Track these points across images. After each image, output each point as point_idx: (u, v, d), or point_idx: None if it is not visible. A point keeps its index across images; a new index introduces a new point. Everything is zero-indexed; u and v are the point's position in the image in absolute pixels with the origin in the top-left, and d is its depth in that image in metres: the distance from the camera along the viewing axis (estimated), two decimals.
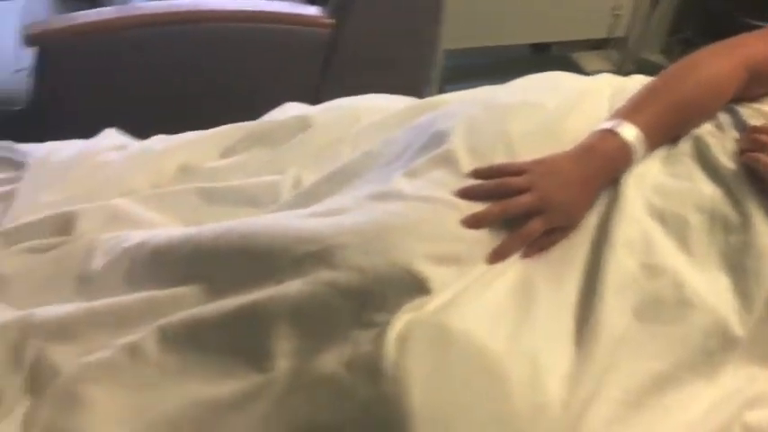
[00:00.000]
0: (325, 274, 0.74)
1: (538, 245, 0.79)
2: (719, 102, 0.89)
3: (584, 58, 2.45)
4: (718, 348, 0.77)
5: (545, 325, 0.73)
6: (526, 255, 0.79)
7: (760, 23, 1.02)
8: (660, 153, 0.88)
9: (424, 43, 1.68)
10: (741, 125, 0.88)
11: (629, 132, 0.84)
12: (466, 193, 0.80)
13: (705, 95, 0.88)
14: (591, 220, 0.82)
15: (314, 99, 1.23)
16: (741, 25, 2.04)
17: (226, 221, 0.86)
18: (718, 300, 0.78)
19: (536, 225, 0.78)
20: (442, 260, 0.74)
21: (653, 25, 2.40)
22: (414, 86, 1.58)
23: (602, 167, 0.83)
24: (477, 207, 0.79)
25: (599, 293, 0.75)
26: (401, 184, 0.82)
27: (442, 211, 0.78)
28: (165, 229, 0.95)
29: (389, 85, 1.25)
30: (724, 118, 0.90)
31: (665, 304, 0.77)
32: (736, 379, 0.79)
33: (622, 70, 2.31)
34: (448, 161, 0.83)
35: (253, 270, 0.78)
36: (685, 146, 0.87)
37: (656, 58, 2.57)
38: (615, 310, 0.75)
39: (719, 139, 0.87)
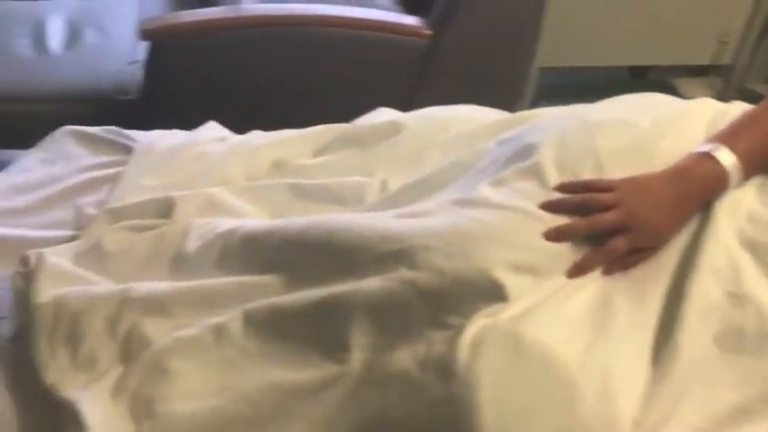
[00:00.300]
0: (405, 273, 0.76)
1: (620, 263, 0.79)
2: None
3: (684, 84, 2.39)
4: None
5: (622, 342, 0.73)
6: (607, 272, 0.79)
7: None
8: (756, 181, 0.86)
9: (521, 59, 1.68)
10: None
11: (727, 158, 0.82)
12: (551, 206, 0.80)
13: None
14: (679, 243, 0.81)
15: (408, 107, 1.26)
16: None
17: (313, 216, 0.90)
18: None
19: (619, 243, 0.78)
20: (521, 269, 0.75)
21: (760, 54, 2.32)
22: (507, 101, 1.58)
23: (695, 191, 0.82)
24: (560, 220, 0.79)
25: (681, 316, 0.75)
26: (487, 192, 0.84)
27: (525, 222, 0.79)
28: (256, 219, 1.00)
29: (483, 98, 1.27)
30: None
31: (747, 335, 0.75)
32: None
33: (724, 99, 2.23)
34: (535, 173, 0.84)
35: (335, 264, 0.81)
36: None
37: (760, 88, 2.47)
38: (696, 334, 0.74)
39: None
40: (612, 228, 0.79)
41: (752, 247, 0.80)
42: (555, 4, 1.88)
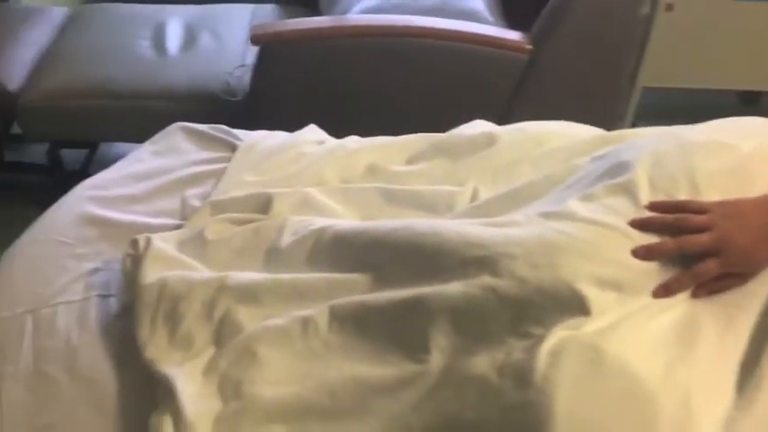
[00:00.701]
0: (487, 280, 0.77)
1: (708, 287, 0.78)
2: None
3: None
4: None
5: (706, 365, 0.72)
6: (695, 295, 0.77)
7: None
8: None
9: (623, 78, 1.66)
10: None
11: None
12: (642, 224, 0.80)
13: None
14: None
15: (504, 120, 1.27)
16: None
17: (401, 220, 0.92)
18: None
19: (710, 266, 0.77)
20: (606, 284, 0.75)
21: None
22: (605, 119, 1.57)
23: None
24: (650, 239, 0.79)
25: None
26: (575, 206, 0.84)
27: (612, 237, 0.79)
28: (347, 219, 1.04)
29: (582, 115, 1.26)
30: None
31: None
32: None
33: None
34: (627, 190, 0.84)
35: (420, 266, 0.83)
36: None
37: None
38: None
39: None
40: (703, 250, 0.78)
41: None
42: (663, 22, 1.85)
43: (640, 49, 1.64)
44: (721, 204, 0.81)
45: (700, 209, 0.81)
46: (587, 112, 1.58)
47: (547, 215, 0.85)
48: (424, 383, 0.77)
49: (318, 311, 0.86)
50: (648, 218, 0.80)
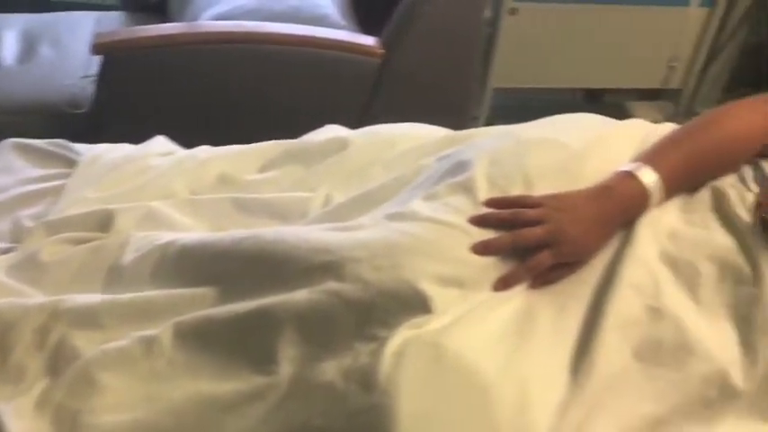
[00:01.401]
0: (332, 285, 0.77)
1: (544, 277, 0.81)
2: (741, 156, 0.90)
3: (638, 107, 2.45)
4: (717, 398, 0.77)
5: (542, 354, 0.75)
6: (532, 286, 0.80)
7: None
8: (679, 200, 0.89)
9: (473, 80, 1.71)
10: (763, 179, 0.88)
11: (649, 177, 0.85)
12: (479, 221, 0.82)
13: (726, 149, 0.89)
14: (602, 259, 0.83)
15: (360, 124, 1.27)
16: None
17: (248, 229, 0.90)
18: (722, 350, 0.78)
19: (544, 257, 0.80)
20: (447, 282, 0.77)
21: (709, 80, 2.39)
22: (459, 121, 1.62)
23: (617, 209, 0.84)
24: (489, 235, 0.81)
25: (600, 329, 0.77)
26: (418, 206, 0.85)
27: (452, 235, 0.80)
28: (197, 232, 1.00)
29: (435, 117, 1.29)
30: (747, 171, 0.90)
31: (665, 347, 0.77)
32: (737, 430, 0.79)
33: (674, 122, 2.30)
34: (466, 189, 0.86)
35: (267, 276, 0.82)
36: (705, 195, 0.88)
37: None
38: (614, 347, 0.76)
39: (739, 191, 0.87)
40: (537, 242, 0.81)
41: (673, 264, 0.83)
42: (512, 25, 1.93)
43: (487, 52, 1.69)
44: (554, 198, 0.84)
45: (534, 203, 0.84)
46: (441, 114, 1.61)
47: (392, 216, 0.86)
48: (274, 396, 0.76)
49: (161, 330, 0.82)
50: (485, 214, 0.83)
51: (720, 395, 0.77)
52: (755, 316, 0.79)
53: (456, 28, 1.59)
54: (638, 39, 2.09)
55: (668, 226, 0.85)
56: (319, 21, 1.73)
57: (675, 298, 0.81)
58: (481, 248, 0.80)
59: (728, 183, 0.88)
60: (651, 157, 0.88)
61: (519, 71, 2.11)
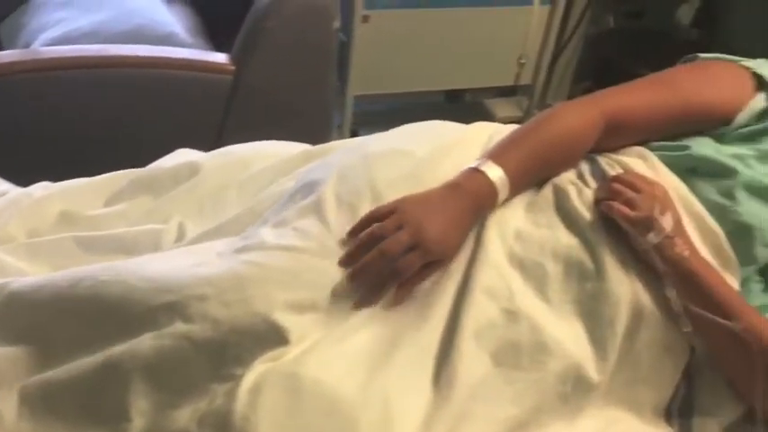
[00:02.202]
0: (180, 327, 0.73)
1: (413, 281, 0.80)
2: (576, 151, 0.93)
3: (496, 104, 2.53)
4: (573, 393, 0.79)
5: (404, 370, 0.74)
6: (400, 291, 0.79)
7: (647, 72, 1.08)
8: (524, 200, 0.91)
9: (327, 89, 1.70)
10: (600, 175, 0.92)
11: (494, 172, 0.86)
12: (349, 260, 0.79)
13: (561, 145, 0.92)
14: (456, 266, 0.83)
15: (219, 144, 1.22)
16: (635, 75, 2.16)
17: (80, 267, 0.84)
18: (575, 346, 0.81)
19: (412, 259, 0.79)
20: (303, 308, 0.75)
21: (557, 74, 2.50)
22: (318, 132, 1.59)
23: (468, 203, 0.85)
24: (341, 252, 0.80)
25: (458, 339, 0.77)
26: (266, 234, 0.83)
27: (302, 260, 0.78)
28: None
29: (293, 131, 1.26)
30: (585, 167, 0.93)
31: (522, 349, 0.79)
32: (597, 421, 0.82)
33: (530, 116, 2.39)
34: (315, 210, 0.84)
35: (108, 322, 0.77)
36: (548, 194, 0.90)
37: None
38: (473, 355, 0.77)
39: (579, 187, 0.90)
40: (404, 247, 0.79)
41: (521, 265, 0.85)
42: (366, 32, 1.93)
43: (341, 61, 1.68)
44: (404, 201, 0.83)
45: (386, 212, 0.83)
46: (300, 128, 1.59)
47: (240, 249, 0.83)
48: None
49: (4, 400, 0.75)
50: (350, 251, 0.80)
51: (576, 390, 0.80)
52: (601, 310, 0.82)
53: (307, 40, 1.56)
54: (488, 39, 2.15)
55: (515, 227, 0.87)
56: (165, 40, 1.67)
57: (528, 299, 0.83)
58: (357, 273, 0.78)
59: (568, 179, 0.91)
60: (495, 153, 0.89)
61: (379, 77, 2.12)
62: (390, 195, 0.86)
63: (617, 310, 0.82)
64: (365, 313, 0.78)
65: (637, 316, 0.83)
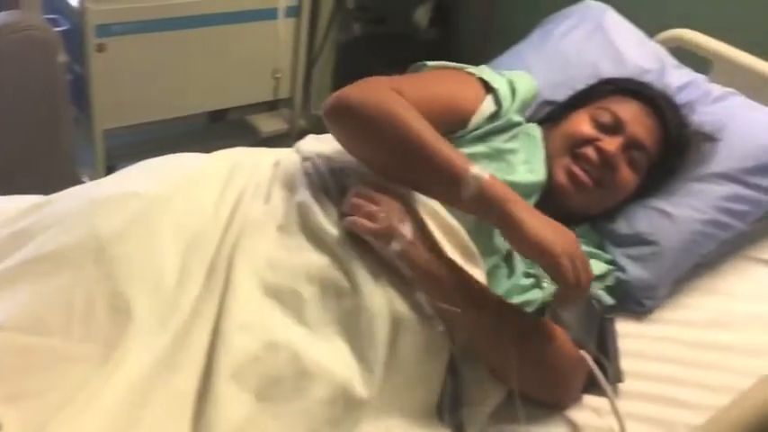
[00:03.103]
0: None
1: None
2: None
3: (260, 120, 2.49)
4: (344, 413, 0.79)
5: (158, 426, 0.69)
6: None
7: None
8: (274, 224, 0.88)
9: (64, 128, 1.56)
10: (342, 189, 0.92)
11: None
12: None
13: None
14: (208, 308, 0.79)
15: None
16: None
17: None
18: (339, 366, 0.80)
19: None
20: (14, 398, 0.66)
21: (316, 83, 2.53)
22: (59, 177, 1.46)
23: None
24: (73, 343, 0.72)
25: (214, 382, 0.73)
26: None
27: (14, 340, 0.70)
28: None
29: (32, 177, 1.12)
30: (329, 182, 0.93)
31: (284, 381, 0.77)
32: None
33: (295, 128, 2.39)
34: (29, 274, 0.76)
35: None
36: (293, 215, 0.89)
37: None
38: (232, 397, 0.73)
39: (324, 204, 0.89)
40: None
41: (276, 294, 0.82)
42: (106, 62, 1.80)
43: (77, 95, 1.55)
44: None
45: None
46: (37, 174, 1.45)
47: None
48: None
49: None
50: None
51: (347, 409, 0.79)
52: (361, 325, 0.82)
53: (30, 79, 1.43)
54: (239, 56, 2.10)
55: (266, 257, 0.84)
56: None
57: (287, 328, 0.80)
58: None
59: (314, 197, 0.90)
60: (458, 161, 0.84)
61: (132, 107, 1.99)
62: (114, 244, 0.79)
63: (375, 323, 0.82)
64: (96, 383, 0.71)
65: (395, 324, 0.84)
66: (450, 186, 0.83)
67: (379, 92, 0.90)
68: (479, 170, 0.83)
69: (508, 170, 1.01)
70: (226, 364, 0.74)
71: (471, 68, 1.09)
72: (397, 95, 0.90)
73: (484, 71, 1.08)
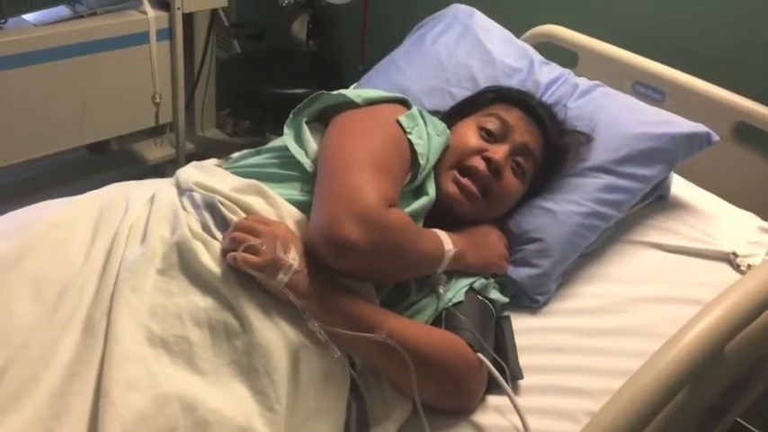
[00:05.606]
0: None
1: None
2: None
3: (145, 148, 2.41)
4: None
5: None
6: None
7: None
8: (153, 269, 0.84)
9: None
10: (223, 223, 0.89)
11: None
12: None
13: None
14: (88, 370, 0.76)
15: None
16: (271, 95, 2.22)
17: None
18: (238, 409, 0.77)
19: None
20: None
21: (199, 105, 2.47)
22: None
23: None
24: None
25: None
26: None
27: None
28: None
29: None
30: (207, 216, 0.90)
31: None
32: None
33: (182, 152, 2.32)
34: None
35: None
36: (173, 256, 0.85)
37: (212, 133, 2.64)
38: None
39: (206, 242, 0.87)
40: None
41: (163, 344, 0.79)
42: None
43: None
44: None
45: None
46: None
47: None
48: None
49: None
50: None
51: None
52: (256, 363, 0.80)
53: None
54: (114, 85, 2.02)
55: (148, 306, 0.81)
56: None
57: (177, 378, 0.77)
58: None
59: (193, 234, 0.87)
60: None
61: (4, 147, 1.89)
62: None
63: (272, 358, 0.80)
64: None
65: (293, 356, 0.82)
66: (433, 267, 0.98)
67: (381, 226, 0.85)
68: (450, 246, 0.99)
69: (405, 203, 0.99)
70: (111, 427, 0.71)
71: (404, 125, 1.01)
72: (395, 221, 0.88)
73: (366, 93, 1.05)
